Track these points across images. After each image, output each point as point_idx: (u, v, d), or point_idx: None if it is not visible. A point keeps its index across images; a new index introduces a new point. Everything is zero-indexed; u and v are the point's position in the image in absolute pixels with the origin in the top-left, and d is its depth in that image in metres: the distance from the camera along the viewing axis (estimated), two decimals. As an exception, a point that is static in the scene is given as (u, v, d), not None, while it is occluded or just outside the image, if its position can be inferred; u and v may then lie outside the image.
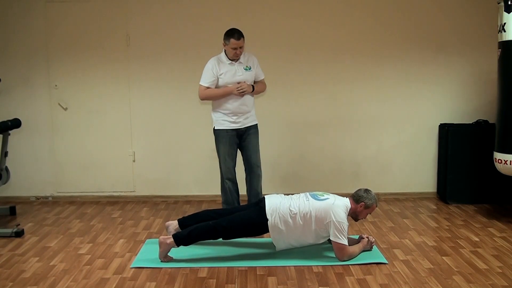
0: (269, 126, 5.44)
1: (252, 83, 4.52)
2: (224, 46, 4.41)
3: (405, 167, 5.58)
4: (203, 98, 4.51)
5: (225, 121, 4.48)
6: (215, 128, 4.53)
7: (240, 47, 4.35)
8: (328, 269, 3.59)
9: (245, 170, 4.66)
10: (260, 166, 4.63)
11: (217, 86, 4.42)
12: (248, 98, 4.48)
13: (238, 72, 4.43)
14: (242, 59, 4.46)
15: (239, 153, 4.64)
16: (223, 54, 4.46)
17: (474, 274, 3.49)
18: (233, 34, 4.31)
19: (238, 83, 4.39)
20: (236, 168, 4.62)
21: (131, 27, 5.37)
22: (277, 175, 5.53)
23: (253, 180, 4.62)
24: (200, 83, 4.45)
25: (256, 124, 4.63)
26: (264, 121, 5.44)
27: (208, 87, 4.41)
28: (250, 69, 4.49)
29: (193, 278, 3.47)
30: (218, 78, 4.40)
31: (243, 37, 4.34)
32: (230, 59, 4.42)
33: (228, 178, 4.56)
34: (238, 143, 4.57)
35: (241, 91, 4.37)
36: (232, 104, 4.43)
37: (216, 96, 4.44)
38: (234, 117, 4.46)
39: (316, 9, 5.35)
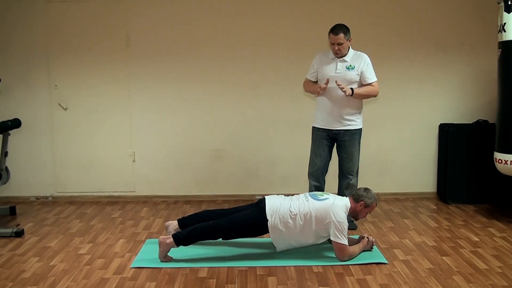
0: (269, 126, 5.46)
1: (354, 84, 4.26)
2: None
3: (405, 167, 5.58)
4: (304, 90, 4.59)
5: (317, 119, 4.44)
6: (312, 125, 4.50)
7: (339, 44, 4.17)
8: (328, 269, 3.59)
9: (338, 175, 4.55)
10: (353, 174, 4.42)
11: (317, 80, 4.41)
12: (343, 100, 4.26)
13: (337, 69, 4.28)
14: (348, 57, 4.27)
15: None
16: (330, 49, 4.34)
17: (474, 274, 3.49)
18: (333, 29, 4.19)
19: (336, 81, 4.22)
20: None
21: (131, 27, 5.37)
22: (277, 175, 5.52)
23: (343, 186, 4.46)
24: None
25: (355, 130, 4.37)
26: (263, 121, 5.47)
27: (309, 80, 4.45)
28: (353, 68, 4.27)
29: (193, 278, 3.47)
30: (317, 71, 4.37)
31: (344, 33, 4.16)
32: (334, 55, 4.29)
33: (311, 177, 4.44)
34: (330, 145, 4.44)
35: (322, 87, 4.24)
36: (324, 103, 4.35)
37: (306, 89, 4.53)
38: (324, 117, 4.37)
39: (314, 10, 5.35)
